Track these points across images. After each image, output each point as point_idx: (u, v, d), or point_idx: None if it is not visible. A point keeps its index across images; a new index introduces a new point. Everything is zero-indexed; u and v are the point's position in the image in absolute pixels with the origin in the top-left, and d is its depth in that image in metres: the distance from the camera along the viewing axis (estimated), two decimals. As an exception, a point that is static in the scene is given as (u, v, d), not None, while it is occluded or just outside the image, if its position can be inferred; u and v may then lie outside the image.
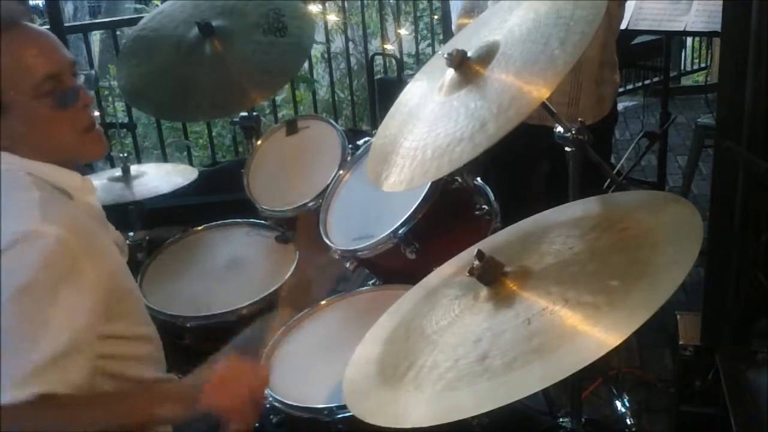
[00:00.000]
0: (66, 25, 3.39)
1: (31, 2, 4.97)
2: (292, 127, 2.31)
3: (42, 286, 1.18)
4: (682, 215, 1.12)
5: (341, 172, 2.05)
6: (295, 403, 1.48)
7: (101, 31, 5.96)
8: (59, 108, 1.30)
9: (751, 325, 1.92)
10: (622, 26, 2.72)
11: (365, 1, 5.12)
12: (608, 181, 1.74)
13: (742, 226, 1.86)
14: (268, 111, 4.32)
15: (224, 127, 4.96)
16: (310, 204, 2.05)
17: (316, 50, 5.01)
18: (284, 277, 1.93)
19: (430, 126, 1.35)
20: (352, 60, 5.30)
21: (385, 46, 4.94)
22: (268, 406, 1.52)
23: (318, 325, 1.75)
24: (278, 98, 4.70)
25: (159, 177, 2.24)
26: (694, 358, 2.04)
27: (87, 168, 2.56)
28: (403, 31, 4.94)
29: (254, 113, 2.42)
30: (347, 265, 1.86)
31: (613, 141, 3.33)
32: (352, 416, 1.15)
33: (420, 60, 5.00)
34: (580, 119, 1.42)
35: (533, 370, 0.96)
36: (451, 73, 1.37)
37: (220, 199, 2.83)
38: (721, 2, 1.82)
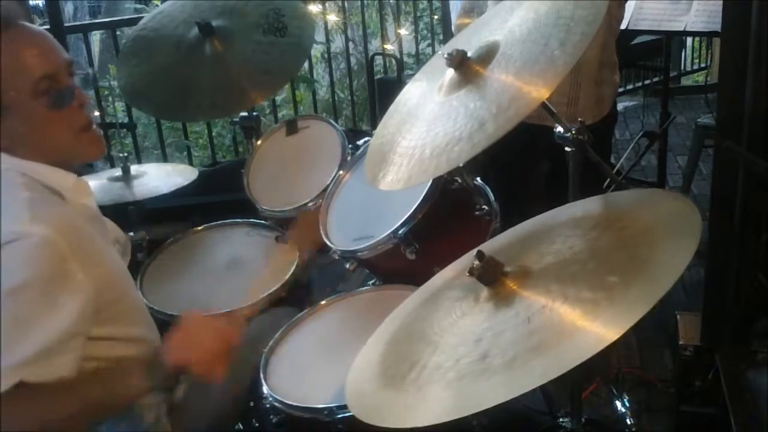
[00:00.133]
0: (66, 25, 3.38)
1: (31, 2, 4.98)
2: (292, 127, 2.31)
3: (29, 287, 1.18)
4: (679, 210, 1.12)
5: (341, 172, 2.05)
6: (295, 403, 1.48)
7: (101, 31, 5.97)
8: (55, 108, 1.29)
9: (751, 325, 1.92)
10: (622, 26, 2.72)
11: (365, 1, 5.11)
12: (608, 180, 1.74)
13: (742, 226, 1.86)
14: (268, 111, 4.32)
15: (224, 127, 4.95)
16: (310, 204, 2.05)
17: (316, 50, 5.01)
18: (284, 277, 1.93)
19: (429, 125, 1.35)
20: (352, 60, 5.30)
21: (385, 46, 4.94)
22: (268, 406, 1.52)
23: (318, 325, 1.75)
24: (278, 98, 4.70)
25: (159, 177, 2.23)
26: (694, 358, 2.04)
27: (87, 168, 2.57)
28: (403, 31, 4.93)
29: (254, 113, 2.42)
30: (347, 265, 1.87)
31: (613, 141, 3.33)
32: (352, 416, 1.15)
33: (420, 60, 5.00)
34: (579, 119, 1.42)
35: (533, 366, 0.97)
36: (450, 73, 1.37)
37: (220, 199, 2.84)
38: (721, 2, 1.82)
